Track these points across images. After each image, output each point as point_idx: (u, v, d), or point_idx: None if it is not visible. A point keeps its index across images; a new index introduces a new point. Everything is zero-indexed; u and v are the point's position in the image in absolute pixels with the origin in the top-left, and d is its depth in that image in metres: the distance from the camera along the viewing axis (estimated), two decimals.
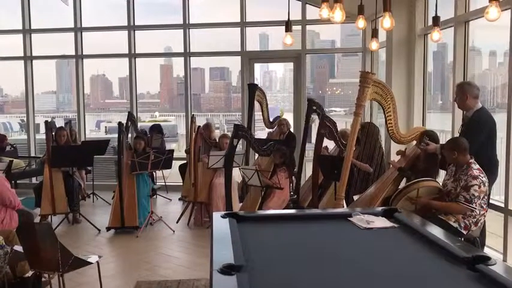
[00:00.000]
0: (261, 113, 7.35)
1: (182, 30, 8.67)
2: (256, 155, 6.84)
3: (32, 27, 9.08)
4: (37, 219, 5.81)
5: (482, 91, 7.65)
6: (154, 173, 7.83)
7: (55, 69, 14.77)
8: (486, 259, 2.21)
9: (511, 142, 4.61)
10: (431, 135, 4.88)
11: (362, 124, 5.49)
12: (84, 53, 9.05)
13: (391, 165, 5.41)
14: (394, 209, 3.22)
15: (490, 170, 4.17)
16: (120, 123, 6.39)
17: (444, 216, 4.05)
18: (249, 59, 8.64)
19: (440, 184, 4.35)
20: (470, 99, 4.40)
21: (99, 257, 4.02)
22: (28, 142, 9.17)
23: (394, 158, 5.46)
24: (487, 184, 4.00)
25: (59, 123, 9.21)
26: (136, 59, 8.95)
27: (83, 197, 7.62)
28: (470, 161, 4.01)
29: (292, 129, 7.44)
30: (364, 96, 4.60)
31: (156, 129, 8.45)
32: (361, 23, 4.97)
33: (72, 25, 8.90)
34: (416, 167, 4.90)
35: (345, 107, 14.77)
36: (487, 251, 4.52)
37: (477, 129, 4.32)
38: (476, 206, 3.94)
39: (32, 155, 9.02)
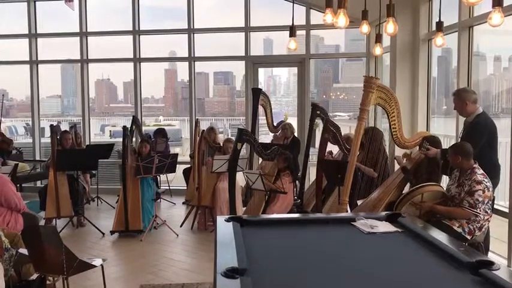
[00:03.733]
0: (265, 118, 7.36)
1: (187, 34, 8.71)
2: (260, 160, 6.86)
3: (37, 32, 9.15)
4: (42, 223, 5.83)
5: (486, 96, 7.65)
6: (158, 177, 7.85)
7: (60, 74, 14.86)
8: (490, 264, 2.21)
9: None
10: (433, 140, 4.88)
11: (366, 129, 5.49)
12: (89, 58, 9.11)
13: (395, 161, 5.40)
14: (397, 214, 3.22)
15: (491, 174, 4.16)
16: (124, 127, 6.43)
17: (448, 221, 4.05)
18: (253, 63, 8.66)
19: (444, 189, 4.35)
20: (470, 105, 4.41)
21: (104, 260, 4.05)
22: (33, 146, 9.20)
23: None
24: (491, 189, 3.99)
25: (64, 127, 9.22)
26: (141, 63, 8.99)
27: (88, 201, 7.66)
28: (474, 166, 4.01)
29: (296, 134, 7.44)
30: (368, 101, 4.61)
31: (161, 133, 8.48)
32: (365, 28, 4.99)
33: (77, 29, 8.97)
34: (419, 172, 4.90)
35: (349, 111, 14.78)
36: (491, 256, 4.50)
37: (478, 134, 4.33)
38: (480, 211, 3.94)
39: (37, 158, 9.06)
